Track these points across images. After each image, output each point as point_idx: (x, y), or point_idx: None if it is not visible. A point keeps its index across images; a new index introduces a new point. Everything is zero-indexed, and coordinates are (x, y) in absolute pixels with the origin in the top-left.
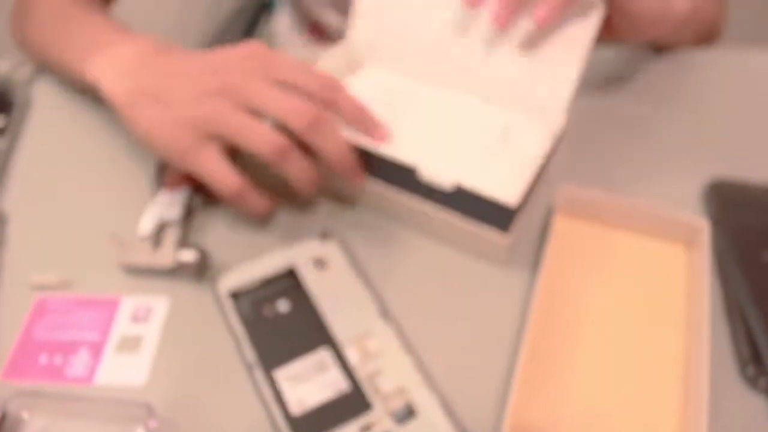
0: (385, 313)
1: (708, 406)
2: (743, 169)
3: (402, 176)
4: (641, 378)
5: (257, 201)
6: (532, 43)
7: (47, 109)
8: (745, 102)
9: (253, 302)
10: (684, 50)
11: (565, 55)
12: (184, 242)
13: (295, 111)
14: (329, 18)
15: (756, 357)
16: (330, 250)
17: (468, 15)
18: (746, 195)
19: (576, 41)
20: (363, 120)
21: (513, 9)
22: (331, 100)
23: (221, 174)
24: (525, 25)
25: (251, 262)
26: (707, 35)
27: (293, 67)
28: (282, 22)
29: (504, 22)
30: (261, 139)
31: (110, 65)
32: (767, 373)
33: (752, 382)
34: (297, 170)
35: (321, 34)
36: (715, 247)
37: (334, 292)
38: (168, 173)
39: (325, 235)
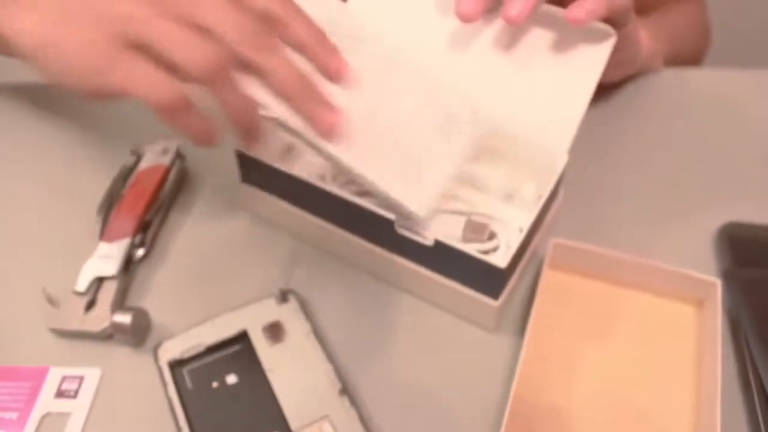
0: (347, 391)
1: None
2: (759, 212)
3: (377, 227)
4: None
5: (197, 122)
6: (536, 74)
7: None
8: (754, 132)
9: (197, 373)
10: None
11: (572, 89)
12: (122, 302)
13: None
14: None
15: None
16: (288, 313)
17: (463, 39)
18: (762, 240)
19: (585, 71)
20: (317, 44)
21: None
22: (279, 17)
23: (154, 82)
24: (529, 52)
25: (197, 326)
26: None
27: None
28: None
29: (523, 18)
30: (192, 50)
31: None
32: None
33: None
34: (233, 97)
35: None
36: (729, 303)
37: (290, 365)
38: (109, 223)
39: (284, 296)
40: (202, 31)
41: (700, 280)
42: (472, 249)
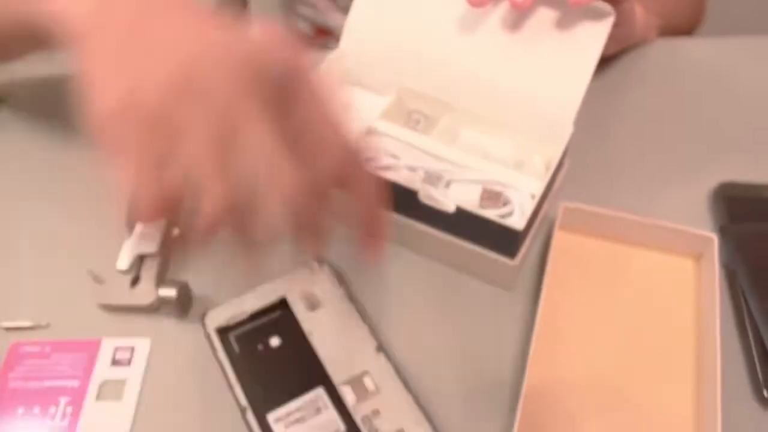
0: (383, 348)
1: (721, 429)
2: (752, 171)
3: (402, 198)
4: (652, 401)
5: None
6: (541, 51)
7: (11, 141)
8: (745, 97)
9: (243, 338)
10: (672, 43)
11: (575, 63)
12: (163, 277)
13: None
14: (337, 21)
15: None
16: (323, 281)
17: (469, 22)
18: (755, 198)
19: (587, 48)
20: (369, 223)
21: None
22: (346, 178)
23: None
24: (533, 31)
25: (240, 295)
26: (681, 33)
27: (322, 116)
28: None
29: (528, 4)
30: (211, 194)
31: None
32: None
33: None
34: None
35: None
36: (725, 256)
37: (328, 327)
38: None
39: (317, 265)
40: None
41: (697, 235)
42: (489, 214)
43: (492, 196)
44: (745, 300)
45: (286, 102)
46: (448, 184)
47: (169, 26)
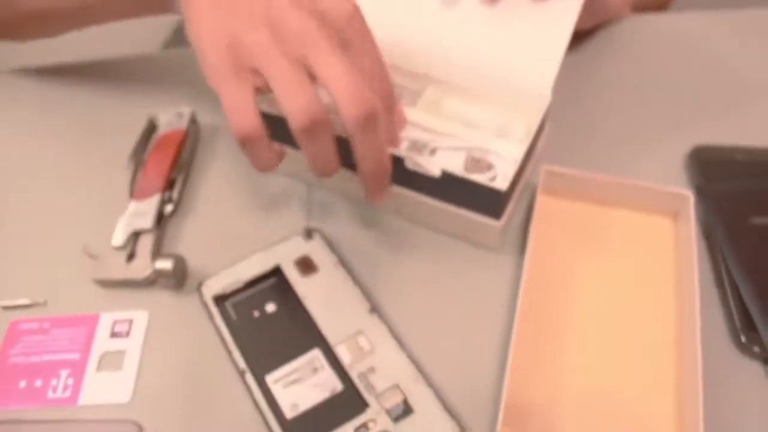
0: (376, 309)
1: (702, 375)
2: (723, 135)
3: None
4: (635, 351)
5: (264, 154)
6: (517, 23)
7: (4, 121)
8: (716, 66)
9: (239, 306)
10: (646, 18)
11: (551, 34)
12: (158, 252)
13: (357, 96)
14: None
15: (748, 324)
16: (315, 248)
17: None
18: (728, 160)
19: (561, 20)
20: (378, 172)
21: None
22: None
23: (238, 111)
24: (510, 4)
25: (234, 265)
26: (655, 8)
27: (374, 57)
28: None
29: None
30: (296, 99)
31: None
32: (760, 340)
33: (745, 349)
34: (320, 153)
35: None
36: (702, 215)
37: (323, 291)
38: (137, 183)
39: (309, 233)
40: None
41: (674, 193)
42: (474, 176)
43: (476, 163)
44: (722, 255)
45: (346, 38)
46: (433, 152)
47: None
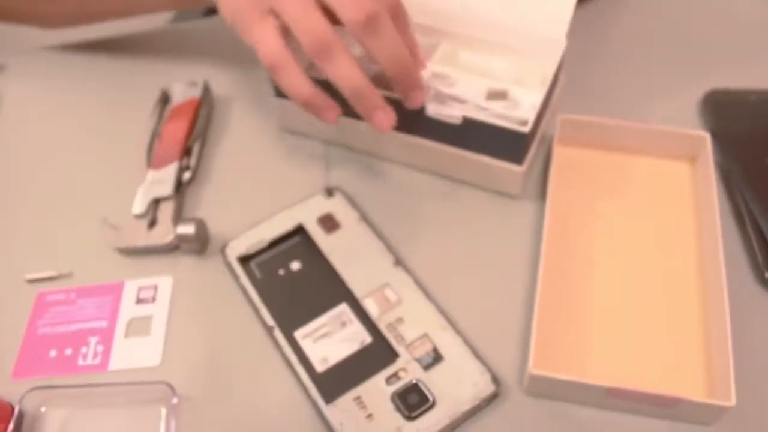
0: (401, 262)
1: (729, 312)
2: (737, 78)
3: (408, 115)
4: (661, 291)
5: (294, 78)
6: None
7: (20, 98)
8: (728, 11)
9: (264, 265)
10: None
11: None
12: (179, 218)
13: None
14: None
15: None
16: (337, 206)
17: None
18: (742, 102)
19: None
20: (400, 74)
21: None
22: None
23: (264, 41)
24: None
25: (257, 226)
26: None
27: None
28: None
29: None
30: (306, 25)
31: None
32: None
33: None
34: (342, 72)
35: None
36: (718, 157)
37: (347, 247)
38: (154, 152)
39: (330, 192)
40: (326, 10)
41: (691, 136)
42: (496, 120)
43: (498, 93)
44: (742, 195)
45: None
46: (453, 84)
47: None
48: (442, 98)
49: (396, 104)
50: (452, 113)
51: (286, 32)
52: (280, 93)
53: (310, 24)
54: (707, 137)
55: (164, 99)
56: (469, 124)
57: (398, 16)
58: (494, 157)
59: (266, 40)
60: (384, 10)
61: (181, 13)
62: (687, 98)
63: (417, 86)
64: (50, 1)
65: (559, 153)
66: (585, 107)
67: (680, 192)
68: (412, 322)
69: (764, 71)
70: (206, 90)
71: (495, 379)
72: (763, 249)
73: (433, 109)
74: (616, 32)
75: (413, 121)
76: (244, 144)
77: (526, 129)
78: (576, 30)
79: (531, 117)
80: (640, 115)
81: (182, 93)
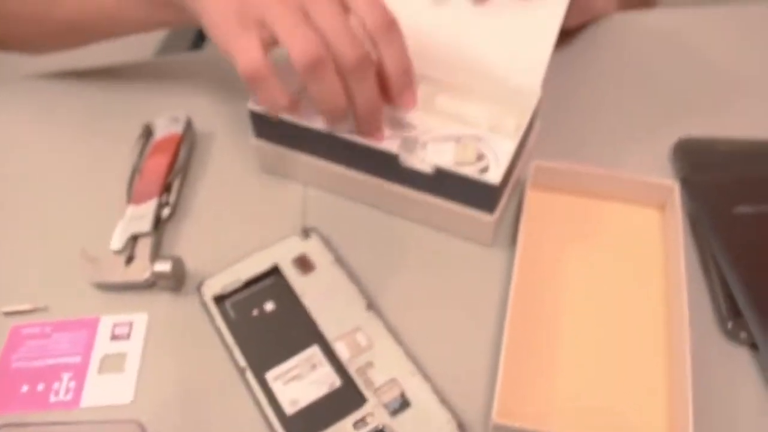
0: (373, 306)
1: (691, 361)
2: (707, 127)
3: (382, 163)
4: (626, 339)
5: (273, 92)
6: (506, 22)
7: (2, 126)
8: (699, 61)
9: (238, 305)
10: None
11: (538, 32)
12: (157, 254)
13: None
14: None
15: (734, 311)
16: (313, 247)
17: None
18: (711, 151)
19: (548, 18)
20: (399, 84)
21: None
22: (378, 42)
23: (245, 51)
24: (499, 5)
25: (233, 265)
26: (642, 5)
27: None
28: None
29: None
30: (297, 40)
31: None
32: (746, 326)
33: (732, 335)
34: (326, 91)
35: None
36: (688, 205)
37: (320, 289)
38: (134, 188)
39: (306, 232)
40: (315, 27)
41: (661, 185)
42: (467, 170)
43: (466, 150)
44: (708, 244)
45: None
46: (424, 146)
47: None
48: (411, 146)
49: (374, 154)
50: (423, 165)
51: (268, 47)
52: (260, 133)
53: (300, 37)
54: (675, 187)
55: (147, 133)
56: (441, 173)
57: (389, 31)
58: (466, 206)
59: (248, 51)
60: (329, 58)
61: (167, 45)
62: (659, 145)
63: (368, 129)
64: (32, 23)
65: (531, 198)
66: (560, 150)
67: (650, 239)
68: (382, 366)
69: (734, 120)
70: (188, 126)
71: (461, 426)
72: (726, 299)
73: (405, 159)
74: (591, 76)
75: (387, 167)
76: (224, 181)
77: (496, 181)
78: (551, 72)
79: (502, 169)
80: (615, 159)
81: (164, 128)
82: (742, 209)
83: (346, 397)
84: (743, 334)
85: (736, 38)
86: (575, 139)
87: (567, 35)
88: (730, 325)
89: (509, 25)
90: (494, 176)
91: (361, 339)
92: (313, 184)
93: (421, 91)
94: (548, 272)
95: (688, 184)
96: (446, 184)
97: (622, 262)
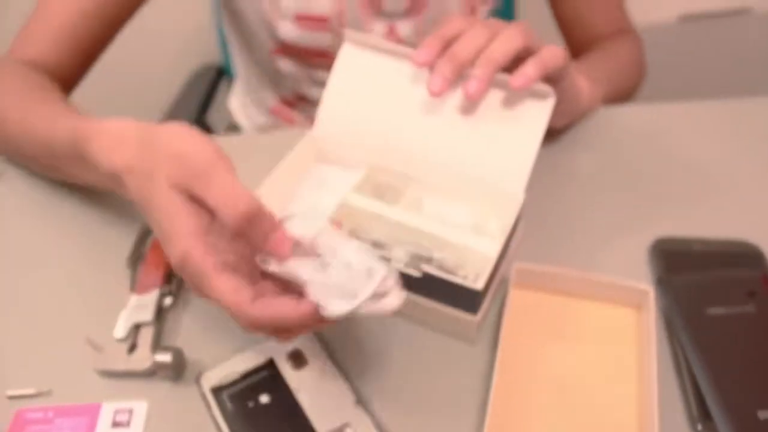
0: (362, 401)
1: None
2: (685, 225)
3: None
4: None
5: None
6: (492, 129)
7: (9, 211)
8: (677, 158)
9: (235, 397)
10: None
11: (523, 139)
12: (158, 343)
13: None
14: (313, 92)
15: (704, 413)
16: (307, 343)
17: (429, 106)
18: (687, 252)
19: (532, 126)
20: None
21: (487, 81)
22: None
23: (234, 197)
24: (486, 113)
25: (231, 358)
26: (626, 97)
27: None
28: (235, 101)
29: (479, 95)
30: (227, 195)
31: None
32: (715, 429)
33: None
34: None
35: (285, 113)
36: (663, 304)
37: (312, 384)
38: (138, 277)
39: None
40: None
41: (637, 288)
42: (452, 277)
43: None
44: (681, 345)
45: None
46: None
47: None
48: None
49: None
50: (411, 272)
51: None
52: None
53: (226, 195)
54: (650, 291)
55: (147, 229)
56: (428, 276)
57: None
58: (452, 307)
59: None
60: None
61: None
62: (638, 244)
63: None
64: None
65: (513, 297)
66: (540, 249)
67: (627, 337)
68: None
69: (711, 218)
70: None
71: None
72: (696, 400)
73: (395, 263)
74: (573, 174)
75: None
76: None
77: (479, 287)
78: (536, 175)
79: (485, 274)
80: (594, 259)
81: None
82: (715, 311)
83: None
84: None
85: (712, 134)
86: (557, 240)
87: (553, 133)
88: (699, 427)
89: (494, 134)
90: (477, 282)
91: None
92: None
93: (411, 193)
94: (528, 369)
95: (663, 285)
96: (433, 286)
97: (599, 361)
